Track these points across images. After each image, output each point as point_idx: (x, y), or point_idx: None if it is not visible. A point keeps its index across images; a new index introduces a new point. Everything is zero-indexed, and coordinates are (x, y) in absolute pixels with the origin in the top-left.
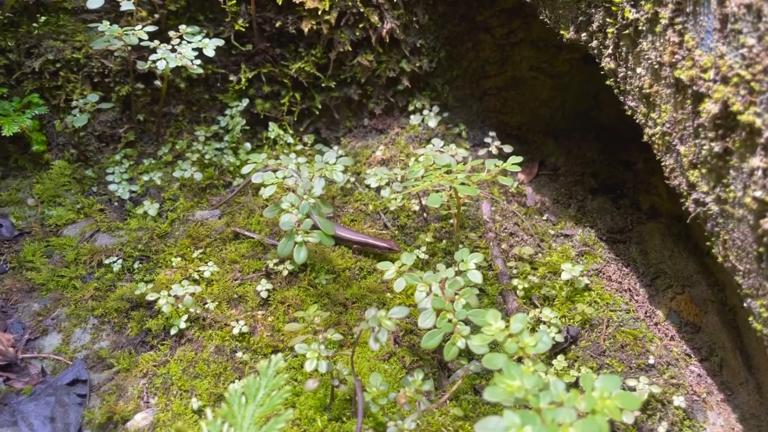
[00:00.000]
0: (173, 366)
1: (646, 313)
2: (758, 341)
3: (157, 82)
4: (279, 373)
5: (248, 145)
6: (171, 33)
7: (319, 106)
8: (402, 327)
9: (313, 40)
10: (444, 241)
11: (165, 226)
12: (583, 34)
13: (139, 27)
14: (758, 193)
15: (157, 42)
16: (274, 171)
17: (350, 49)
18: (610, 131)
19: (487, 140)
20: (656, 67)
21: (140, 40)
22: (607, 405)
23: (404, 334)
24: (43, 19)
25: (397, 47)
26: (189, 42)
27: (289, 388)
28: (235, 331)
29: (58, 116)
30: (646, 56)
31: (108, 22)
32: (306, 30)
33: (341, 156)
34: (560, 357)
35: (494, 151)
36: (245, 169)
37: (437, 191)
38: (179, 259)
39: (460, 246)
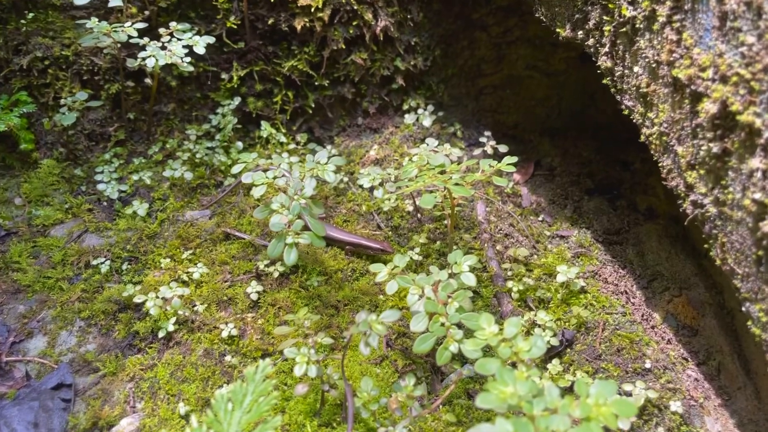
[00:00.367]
0: (161, 370)
1: (642, 316)
2: (757, 345)
3: (148, 80)
4: (267, 378)
5: (240, 144)
6: (161, 30)
7: (313, 105)
8: (395, 330)
9: (306, 38)
10: (438, 242)
11: (154, 226)
12: (580, 32)
13: (128, 24)
14: (757, 195)
15: (147, 39)
16: (265, 171)
17: (344, 47)
18: (606, 131)
19: (483, 140)
20: (654, 65)
21: (130, 37)
22: (603, 412)
23: (397, 337)
24: (31, 15)
25: (392, 45)
26: (179, 39)
27: (277, 393)
28: (224, 334)
29: (46, 114)
30: (644, 55)
31: (97, 19)
32: (299, 27)
33: (333, 155)
34: (555, 361)
35: (489, 150)
36: (235, 169)
37: (431, 192)
38: (168, 260)
39: (455, 247)
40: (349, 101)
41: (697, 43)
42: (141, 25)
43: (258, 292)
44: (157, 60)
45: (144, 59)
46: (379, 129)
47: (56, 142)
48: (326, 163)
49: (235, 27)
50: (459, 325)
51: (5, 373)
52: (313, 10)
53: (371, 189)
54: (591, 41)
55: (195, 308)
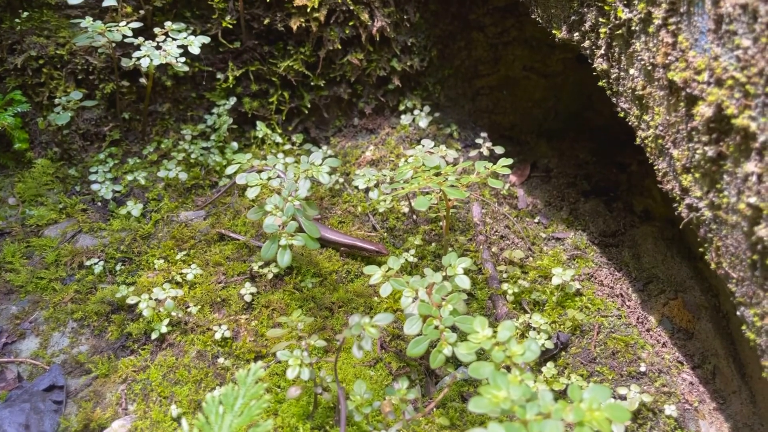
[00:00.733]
0: (153, 371)
1: (638, 318)
2: (752, 350)
3: (143, 80)
4: (258, 381)
5: (235, 145)
6: (156, 30)
7: (308, 105)
8: (389, 332)
9: (302, 38)
10: (433, 244)
11: (148, 227)
12: (576, 34)
13: (123, 23)
14: (752, 199)
15: (141, 39)
16: (260, 172)
17: (340, 47)
18: (603, 133)
19: (479, 141)
20: (649, 68)
21: (124, 36)
22: (596, 417)
23: (391, 339)
24: (25, 14)
25: (388, 46)
26: (174, 39)
27: (269, 396)
28: (218, 336)
29: (41, 114)
30: (639, 57)
31: (92, 18)
32: (295, 27)
33: (328, 157)
34: (550, 364)
35: (485, 152)
36: (230, 170)
37: (426, 193)
38: (162, 261)
39: (450, 249)
40: (345, 102)
41: (692, 46)
42: (136, 25)
43: (252, 294)
44: (151, 60)
45: (139, 59)
46: (375, 130)
47: (50, 141)
48: (321, 165)
49: (231, 27)
50: (453, 328)
51: None
52: (309, 10)
53: (366, 190)
54: (587, 43)
55: (188, 310)
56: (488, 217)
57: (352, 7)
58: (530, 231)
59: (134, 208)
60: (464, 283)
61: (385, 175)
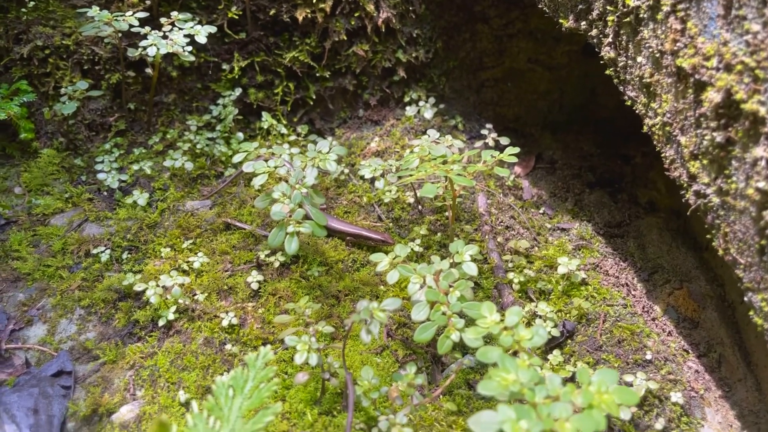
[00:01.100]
0: (161, 358)
1: (643, 308)
2: (758, 337)
3: (149, 70)
4: (268, 365)
5: (241, 135)
6: (163, 20)
7: (314, 97)
8: (395, 320)
9: (307, 29)
10: (439, 234)
11: (154, 216)
12: (583, 23)
13: (129, 13)
14: (761, 184)
15: (148, 28)
16: (266, 160)
17: (345, 38)
18: (608, 125)
19: (484, 132)
20: (657, 55)
21: (131, 26)
22: (605, 400)
23: (397, 327)
24: (32, 4)
25: (393, 37)
26: (180, 29)
27: (278, 380)
28: (225, 323)
29: (46, 104)
30: (647, 44)
31: (98, 8)
32: (300, 18)
33: (335, 146)
34: (556, 352)
35: (491, 143)
36: (236, 158)
37: (432, 182)
38: (168, 249)
39: (456, 239)
40: (351, 93)
41: (701, 32)
42: (142, 15)
43: (258, 282)
44: (158, 49)
45: (145, 48)
46: (380, 121)
47: (56, 131)
48: (328, 153)
49: (237, 17)
50: (460, 314)
51: (5, 361)
52: (315, 1)
53: (372, 180)
54: (594, 32)
55: (195, 297)
56: (494, 208)
57: None
58: (535, 221)
59: (140, 197)
60: (471, 269)
61: (390, 165)
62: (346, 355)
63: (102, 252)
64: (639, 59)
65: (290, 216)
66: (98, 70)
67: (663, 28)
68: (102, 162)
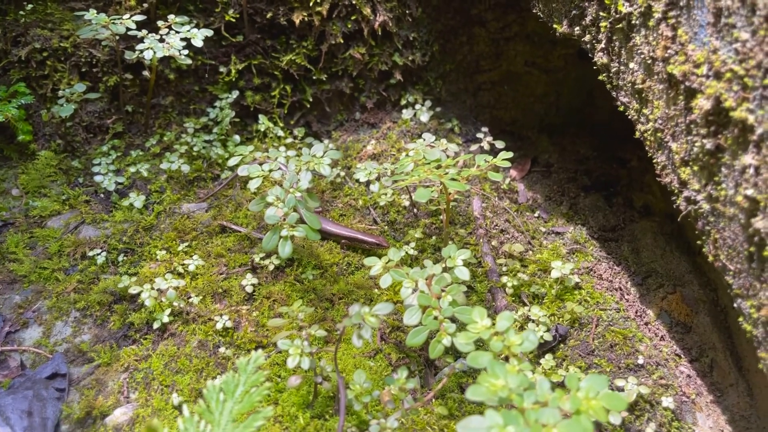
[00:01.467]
0: (155, 361)
1: (636, 312)
2: (749, 342)
3: (146, 73)
4: (259, 369)
5: (237, 138)
6: (160, 23)
7: (310, 99)
8: (389, 324)
9: (304, 32)
10: (434, 237)
11: (151, 218)
12: (576, 28)
13: (127, 16)
14: (750, 192)
15: (145, 32)
16: (261, 164)
17: (342, 41)
18: (604, 128)
19: (480, 135)
20: (649, 62)
21: (128, 29)
22: (593, 406)
23: (391, 331)
24: (30, 6)
25: (390, 40)
26: (177, 32)
27: (269, 384)
28: (219, 326)
29: (44, 106)
30: (639, 51)
31: (95, 11)
32: (297, 21)
33: (330, 149)
34: (548, 356)
35: (486, 146)
36: (232, 161)
37: (426, 186)
38: (164, 252)
39: (450, 242)
40: (347, 96)
41: (692, 40)
42: (139, 18)
43: (253, 285)
44: (155, 52)
45: (142, 51)
46: (377, 124)
47: (54, 133)
48: (322, 157)
49: (234, 20)
50: (452, 319)
51: (0, 363)
52: (311, 4)
53: (368, 183)
54: (587, 37)
55: (190, 300)
56: (488, 211)
57: (354, 2)
58: (530, 225)
59: (137, 199)
60: (463, 274)
61: (386, 169)
62: (339, 358)
63: (98, 254)
64: (631, 65)
65: (284, 220)
66: (96, 72)
67: (654, 35)
68: (99, 164)
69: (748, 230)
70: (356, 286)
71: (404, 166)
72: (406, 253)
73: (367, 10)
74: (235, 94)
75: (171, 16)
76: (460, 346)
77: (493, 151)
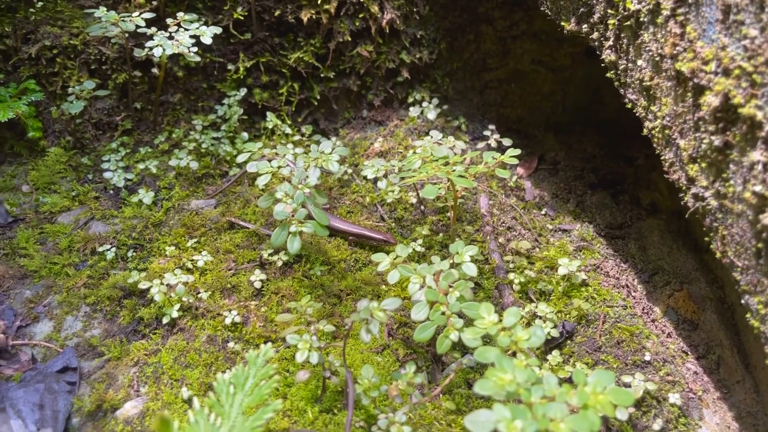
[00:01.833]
0: (164, 355)
1: (643, 309)
2: (756, 339)
3: (155, 70)
4: (268, 362)
5: (245, 135)
6: (169, 20)
7: (318, 97)
8: (396, 319)
9: (312, 30)
10: (441, 234)
11: (160, 214)
12: (584, 26)
13: (136, 14)
14: (758, 188)
15: (154, 29)
16: (270, 160)
17: (350, 39)
18: (611, 126)
19: (487, 133)
20: (657, 59)
21: (137, 26)
22: (600, 401)
23: (398, 327)
24: (40, 4)
25: (397, 38)
26: (186, 30)
27: (278, 378)
28: (228, 321)
29: (54, 103)
30: (647, 48)
31: (105, 9)
32: (305, 19)
33: (338, 146)
34: (555, 352)
35: (493, 144)
36: (240, 158)
37: (434, 183)
38: (173, 248)
39: (457, 239)
40: (355, 93)
41: (700, 37)
42: (148, 15)
43: (261, 281)
44: (164, 50)
45: (151, 48)
46: (384, 122)
47: (64, 130)
48: (330, 153)
49: (242, 18)
50: (460, 315)
51: (12, 357)
52: (319, 2)
53: (375, 180)
54: (595, 35)
55: (199, 295)
56: (495, 209)
57: (362, 0)
58: (537, 222)
59: (146, 196)
60: (471, 270)
61: (393, 166)
62: (348, 353)
63: (108, 250)
64: (639, 62)
65: (293, 216)
66: (105, 69)
67: (663, 32)
68: (108, 161)
69: (756, 226)
70: (364, 282)
71: (412, 163)
72: (414, 249)
73: (374, 8)
74: (243, 91)
75: (180, 14)
76: (468, 342)
77: (500, 149)
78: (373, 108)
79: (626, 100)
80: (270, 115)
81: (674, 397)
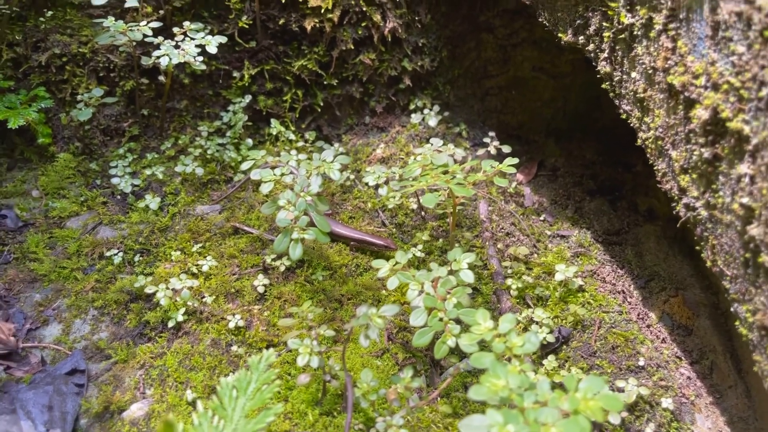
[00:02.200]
0: (170, 358)
1: (638, 315)
2: (745, 345)
3: (162, 78)
4: (270, 367)
5: (250, 141)
6: (175, 29)
7: (321, 104)
8: (396, 324)
9: (316, 38)
10: (441, 240)
11: (166, 220)
12: (581, 38)
13: (144, 23)
14: (745, 200)
15: (161, 38)
16: (273, 168)
17: (352, 47)
18: (610, 133)
19: (487, 140)
20: (650, 71)
21: (145, 36)
22: (591, 406)
23: (398, 331)
24: (50, 13)
25: (399, 46)
26: (192, 39)
27: (280, 382)
28: (231, 325)
29: (63, 110)
30: (641, 61)
31: (113, 18)
32: (309, 28)
33: (339, 154)
34: (551, 357)
35: (493, 151)
36: (244, 165)
37: (434, 191)
38: (179, 252)
39: (456, 245)
40: (357, 100)
41: (691, 51)
42: (156, 24)
43: (264, 285)
44: (170, 58)
45: (158, 57)
46: (386, 128)
47: (73, 136)
48: (332, 162)
49: (247, 27)
50: (457, 321)
51: (22, 359)
52: (323, 11)
53: (376, 187)
54: (591, 46)
55: (204, 299)
56: (495, 215)
57: (364, 8)
58: (536, 228)
59: (152, 201)
60: (468, 277)
61: (394, 173)
62: (348, 357)
63: (115, 254)
64: (633, 74)
65: (295, 223)
66: (113, 77)
67: (655, 46)
68: (116, 166)
69: (744, 237)
70: (364, 288)
71: (412, 171)
72: (414, 255)
73: (377, 17)
74: (248, 98)
75: (186, 23)
76: (464, 347)
77: (500, 156)
78: (375, 114)
79: (621, 111)
80: (274, 122)
81: (667, 402)
